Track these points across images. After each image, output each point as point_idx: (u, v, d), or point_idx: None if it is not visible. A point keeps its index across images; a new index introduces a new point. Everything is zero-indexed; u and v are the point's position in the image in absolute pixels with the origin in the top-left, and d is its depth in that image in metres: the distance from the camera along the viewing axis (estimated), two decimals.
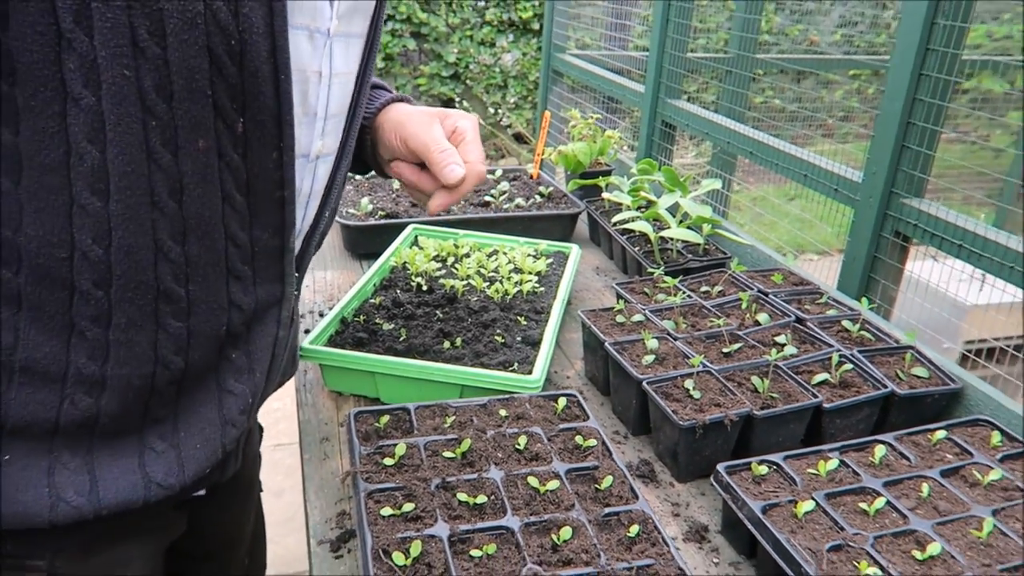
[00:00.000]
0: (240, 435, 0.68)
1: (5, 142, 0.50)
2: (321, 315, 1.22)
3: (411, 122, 0.84)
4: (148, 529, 0.70)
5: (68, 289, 0.54)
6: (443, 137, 0.82)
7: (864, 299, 1.10)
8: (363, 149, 0.90)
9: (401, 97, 0.90)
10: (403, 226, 1.42)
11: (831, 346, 1.00)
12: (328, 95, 0.68)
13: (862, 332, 1.05)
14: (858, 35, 6.15)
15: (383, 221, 1.45)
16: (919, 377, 0.95)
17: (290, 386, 1.01)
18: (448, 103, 5.78)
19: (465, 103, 5.76)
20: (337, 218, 1.42)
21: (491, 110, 5.90)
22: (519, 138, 6.04)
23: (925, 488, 0.76)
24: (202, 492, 0.72)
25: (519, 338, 1.07)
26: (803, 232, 2.80)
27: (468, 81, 5.74)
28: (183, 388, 0.63)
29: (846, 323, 1.06)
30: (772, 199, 4.11)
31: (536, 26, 5.62)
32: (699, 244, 1.36)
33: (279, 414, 2.63)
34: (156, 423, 0.62)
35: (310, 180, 0.71)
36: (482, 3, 5.56)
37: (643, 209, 1.43)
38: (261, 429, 1.00)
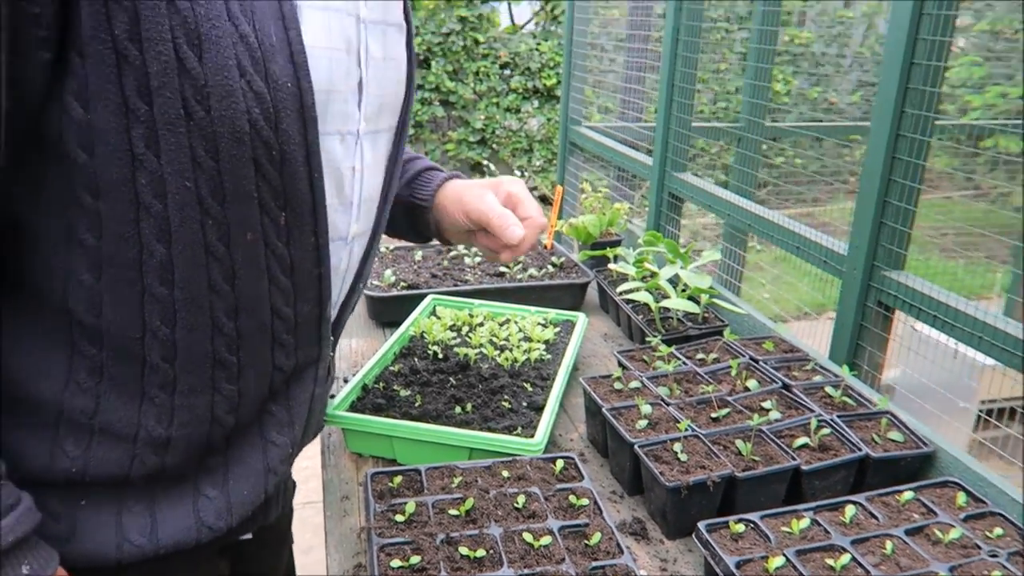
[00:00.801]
0: (280, 482, 0.79)
1: (90, 245, 0.61)
2: (345, 381, 1.33)
3: (468, 196, 0.97)
4: (195, 572, 0.79)
5: (140, 363, 0.66)
6: (498, 203, 0.95)
7: (846, 366, 1.18)
8: (426, 225, 1.03)
9: (453, 175, 1.03)
10: (423, 296, 1.54)
11: (813, 411, 1.08)
12: (361, 185, 0.78)
13: (844, 398, 1.12)
14: (876, 95, 6.28)
15: (404, 292, 1.57)
16: (894, 441, 1.02)
17: (318, 445, 1.11)
18: (476, 167, 5.98)
19: (492, 167, 5.95)
20: None
21: (517, 173, 6.08)
22: (544, 200, 6.21)
23: (889, 545, 0.83)
24: (248, 536, 0.81)
25: (525, 403, 1.16)
26: (823, 291, 2.87)
27: (495, 146, 5.94)
28: (232, 441, 0.74)
29: (829, 389, 1.14)
30: (794, 258, 4.19)
31: (559, 93, 5.83)
32: (698, 313, 1.45)
33: (308, 472, 2.72)
34: (209, 472, 0.73)
35: (346, 258, 0.80)
36: (507, 71, 5.79)
37: (647, 279, 1.53)
38: (294, 484, 1.10)
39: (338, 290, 0.81)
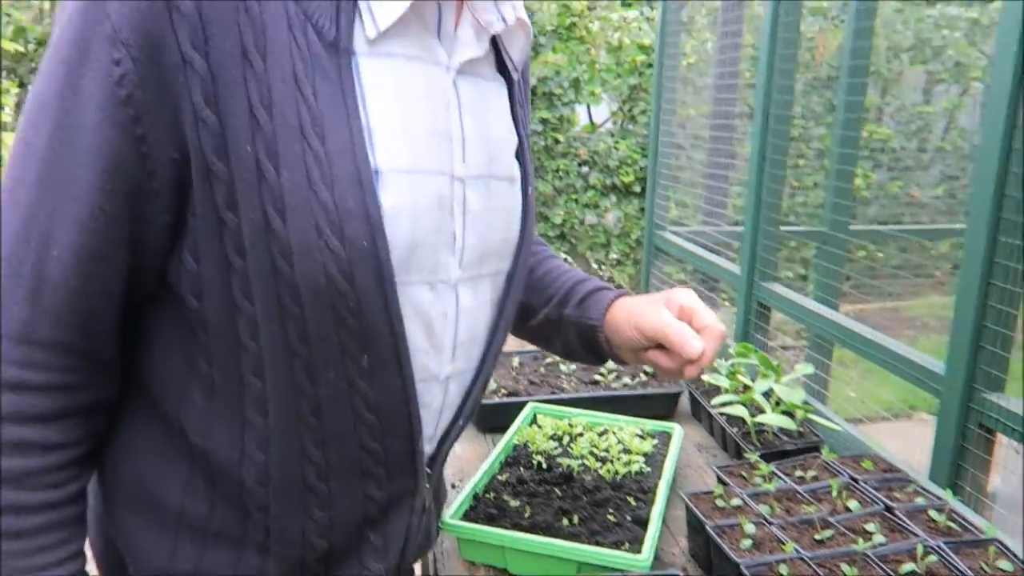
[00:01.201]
0: None
1: (204, 372, 0.73)
2: (453, 487, 1.40)
3: (640, 312, 0.94)
4: None
5: (239, 484, 0.75)
6: (673, 317, 0.91)
7: (949, 490, 1.19)
8: (599, 346, 1.01)
9: (622, 292, 1.02)
10: (523, 404, 1.62)
11: (918, 536, 1.10)
12: (456, 328, 0.80)
13: (948, 522, 1.13)
14: (962, 189, 6.21)
15: (506, 399, 1.65)
16: (1003, 570, 1.03)
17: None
18: None
19: (570, 260, 6.09)
20: None
21: (594, 266, 6.20)
22: None
23: None
24: None
25: (629, 517, 1.21)
26: (914, 390, 2.82)
27: (573, 240, 6.10)
28: (329, 564, 0.80)
29: (933, 513, 1.15)
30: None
31: (637, 189, 5.98)
32: (793, 429, 1.49)
33: None
34: None
35: (441, 396, 0.81)
36: (586, 169, 5.99)
37: (740, 392, 1.57)
38: None
39: (433, 426, 0.83)
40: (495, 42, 0.82)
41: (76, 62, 0.63)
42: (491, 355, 0.87)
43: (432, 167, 0.73)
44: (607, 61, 5.55)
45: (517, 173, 0.86)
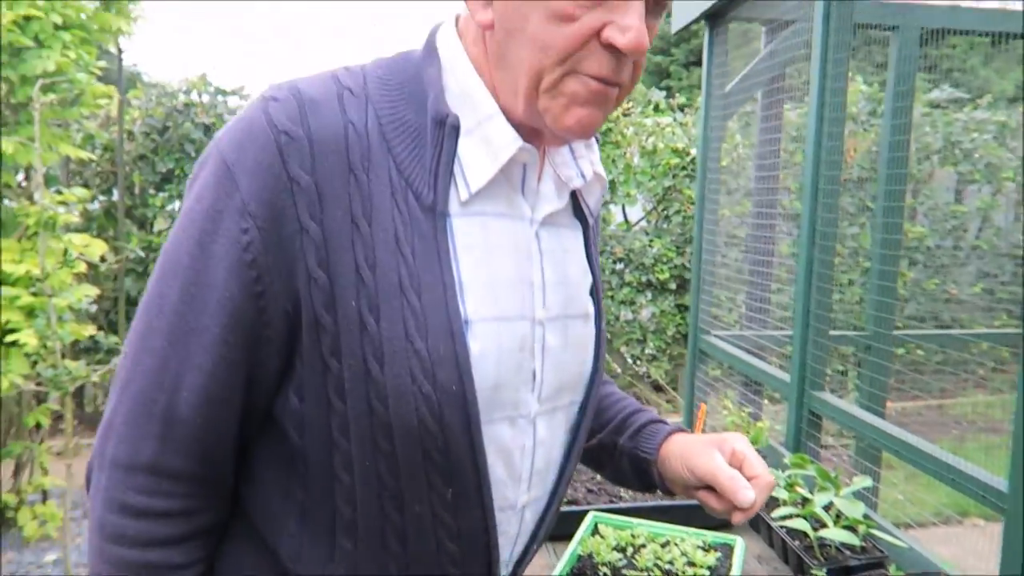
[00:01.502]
0: None
1: (299, 499, 0.78)
2: None
3: (693, 453, 0.94)
4: None
5: None
6: (725, 463, 0.91)
7: None
8: (651, 476, 1.03)
9: (677, 428, 1.04)
10: (583, 512, 1.64)
11: None
12: (532, 459, 0.84)
13: None
14: (1000, 287, 6.19)
15: (566, 508, 1.68)
16: None
17: None
18: None
19: (607, 356, 6.12)
20: None
21: (630, 361, 6.22)
22: (657, 387, 6.28)
23: None
24: None
25: None
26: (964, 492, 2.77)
27: (610, 336, 6.15)
28: None
29: None
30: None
31: (672, 286, 6.05)
32: (856, 544, 1.50)
33: None
34: None
35: (517, 524, 0.85)
36: (621, 266, 6.10)
37: (799, 504, 1.59)
38: None
39: (508, 552, 0.87)
40: (575, 193, 0.89)
41: (209, 229, 0.72)
42: (564, 482, 0.91)
43: (515, 313, 0.79)
44: (642, 164, 5.73)
45: (591, 310, 0.91)
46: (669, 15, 3.04)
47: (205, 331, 0.73)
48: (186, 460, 0.74)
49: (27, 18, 3.31)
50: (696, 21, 2.71)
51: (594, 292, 0.92)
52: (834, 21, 1.94)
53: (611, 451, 1.07)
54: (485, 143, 0.77)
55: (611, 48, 0.72)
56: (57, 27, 3.41)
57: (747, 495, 0.87)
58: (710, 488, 0.93)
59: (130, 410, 0.74)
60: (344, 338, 0.72)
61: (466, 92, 0.78)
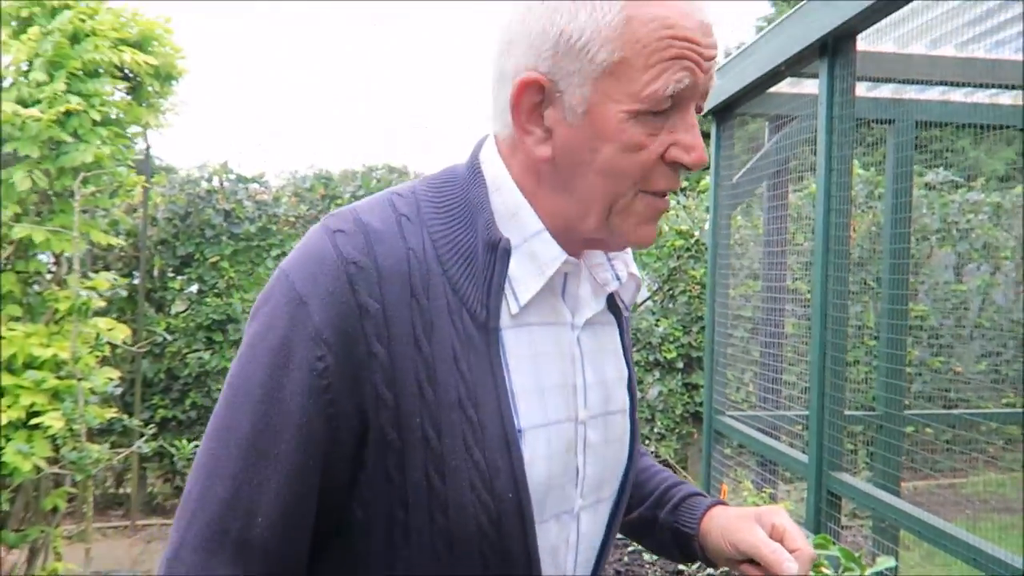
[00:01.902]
0: None
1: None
2: None
3: (735, 526, 0.95)
4: None
5: None
6: (767, 537, 0.91)
7: None
8: (692, 549, 1.04)
9: (717, 501, 1.06)
10: None
11: None
12: (576, 553, 0.87)
13: None
14: (1004, 364, 6.25)
15: None
16: None
17: None
18: None
19: None
20: None
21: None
22: (666, 466, 6.27)
23: None
24: None
25: None
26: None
27: None
28: None
29: None
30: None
31: (680, 365, 6.12)
32: None
33: None
34: None
35: None
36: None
37: None
38: None
39: None
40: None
41: (282, 358, 0.76)
42: (601, 566, 0.94)
43: (562, 417, 0.84)
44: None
45: (627, 404, 0.95)
46: None
47: (283, 457, 0.75)
48: None
49: (67, 113, 3.50)
50: (704, 115, 2.87)
51: (629, 386, 0.96)
52: (837, 117, 2.08)
53: (652, 525, 1.10)
54: (532, 259, 0.82)
55: (675, 163, 0.79)
56: (95, 123, 3.60)
57: (791, 567, 0.88)
58: (752, 561, 0.94)
59: (201, 540, 0.76)
60: (408, 454, 0.76)
61: (512, 212, 0.83)
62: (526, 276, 0.82)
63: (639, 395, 6.21)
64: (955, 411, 3.84)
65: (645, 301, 6.41)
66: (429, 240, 0.80)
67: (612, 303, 0.94)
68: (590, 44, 0.76)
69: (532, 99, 0.79)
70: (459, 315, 0.79)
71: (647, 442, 6.33)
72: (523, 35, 0.79)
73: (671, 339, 6.08)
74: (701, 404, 5.43)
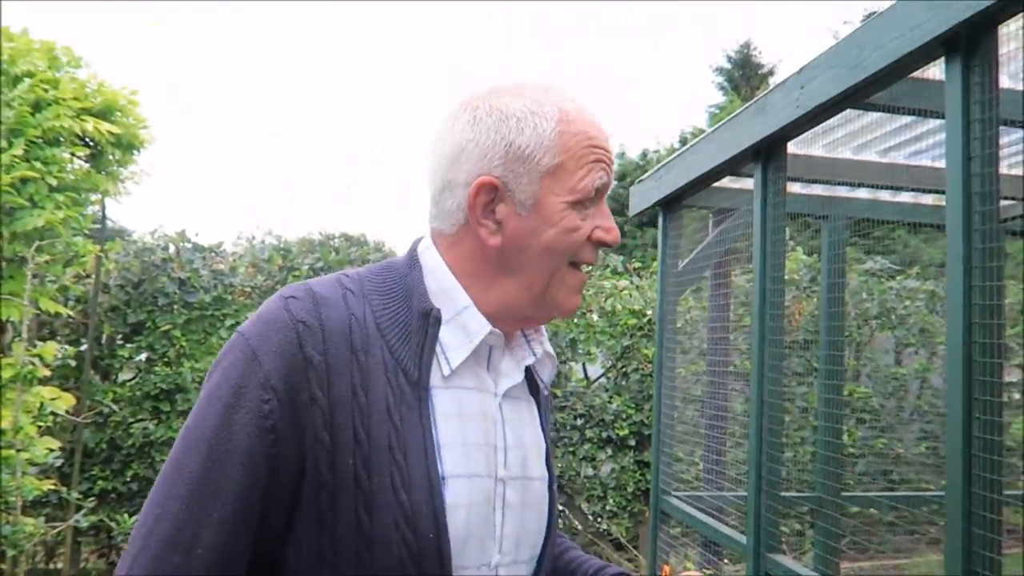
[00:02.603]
0: None
1: None
2: None
3: None
4: None
5: None
6: None
7: None
8: None
9: (622, 572, 1.12)
10: None
11: None
12: None
13: None
14: (943, 445, 6.42)
15: None
16: None
17: None
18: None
19: (568, 513, 6.10)
20: None
21: (591, 518, 6.20)
22: (618, 546, 6.23)
23: None
24: None
25: None
26: None
27: (570, 492, 6.16)
28: None
29: None
30: None
31: (632, 442, 6.17)
32: None
33: None
34: None
35: None
36: (581, 422, 6.22)
37: None
38: None
39: None
40: (528, 369, 1.05)
41: (234, 403, 0.86)
42: None
43: (482, 471, 0.94)
44: (601, 323, 6.00)
45: (545, 473, 1.04)
46: (626, 204, 3.37)
47: (227, 491, 0.84)
48: None
49: (24, 180, 3.51)
50: (651, 207, 3.02)
51: (547, 459, 1.06)
52: (770, 216, 2.22)
53: None
54: (462, 329, 0.96)
55: (599, 242, 0.98)
56: (52, 188, 3.61)
57: None
58: None
59: (145, 573, 0.83)
60: (340, 493, 0.85)
61: (445, 291, 0.97)
62: (457, 344, 0.95)
63: (591, 472, 6.22)
64: (890, 492, 3.94)
65: (599, 378, 6.49)
66: (370, 312, 0.93)
67: (532, 382, 1.06)
68: (535, 152, 0.94)
69: (486, 198, 0.95)
70: (394, 374, 0.90)
71: (599, 521, 6.31)
72: (474, 147, 0.96)
73: (624, 416, 6.15)
74: None
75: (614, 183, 1.01)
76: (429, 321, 0.94)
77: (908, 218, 2.87)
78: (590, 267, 1.01)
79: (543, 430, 1.07)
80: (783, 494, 2.37)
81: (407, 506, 0.86)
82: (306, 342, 0.88)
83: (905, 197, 2.90)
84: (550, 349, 1.05)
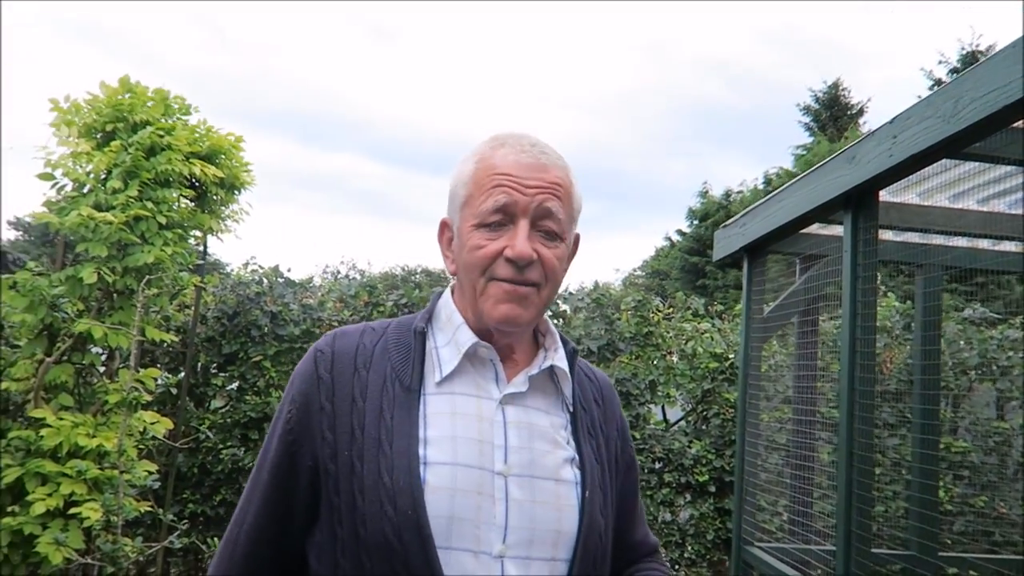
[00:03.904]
0: None
1: None
2: None
3: None
4: None
5: None
6: None
7: None
8: None
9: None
10: None
11: None
12: None
13: None
14: None
15: None
16: None
17: None
18: None
19: None
20: None
21: (668, 566, 6.05)
22: None
23: None
24: None
25: None
26: None
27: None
28: None
29: None
30: None
31: (712, 488, 6.02)
32: None
33: None
34: None
35: None
36: (659, 465, 6.12)
37: None
38: None
39: None
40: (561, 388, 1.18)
41: (277, 417, 1.13)
42: None
43: (472, 463, 1.05)
44: (681, 366, 5.91)
45: (569, 476, 1.11)
46: (710, 247, 3.34)
47: (262, 482, 1.11)
48: (239, 571, 1.10)
49: (137, 218, 3.76)
50: (736, 253, 3.00)
51: (582, 466, 1.13)
52: (860, 265, 2.18)
53: None
54: (455, 343, 1.13)
55: (509, 260, 1.08)
56: (161, 226, 3.86)
57: None
58: None
59: (224, 543, 1.13)
60: (341, 480, 1.04)
61: (448, 316, 1.17)
62: (450, 355, 1.13)
63: (669, 517, 6.09)
64: (992, 554, 3.72)
65: (678, 422, 6.38)
66: (383, 342, 1.14)
67: (565, 403, 1.18)
68: (458, 188, 1.15)
69: (446, 234, 1.19)
70: (392, 382, 1.10)
71: (678, 569, 6.14)
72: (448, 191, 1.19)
73: (703, 461, 6.01)
74: (732, 531, 5.32)
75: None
76: (415, 337, 1.14)
77: (1011, 267, 2.75)
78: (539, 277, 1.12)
79: (577, 441, 1.15)
80: (874, 551, 2.28)
81: (389, 486, 1.01)
82: (320, 365, 1.11)
83: (1008, 246, 2.78)
84: (561, 364, 1.16)
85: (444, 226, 1.19)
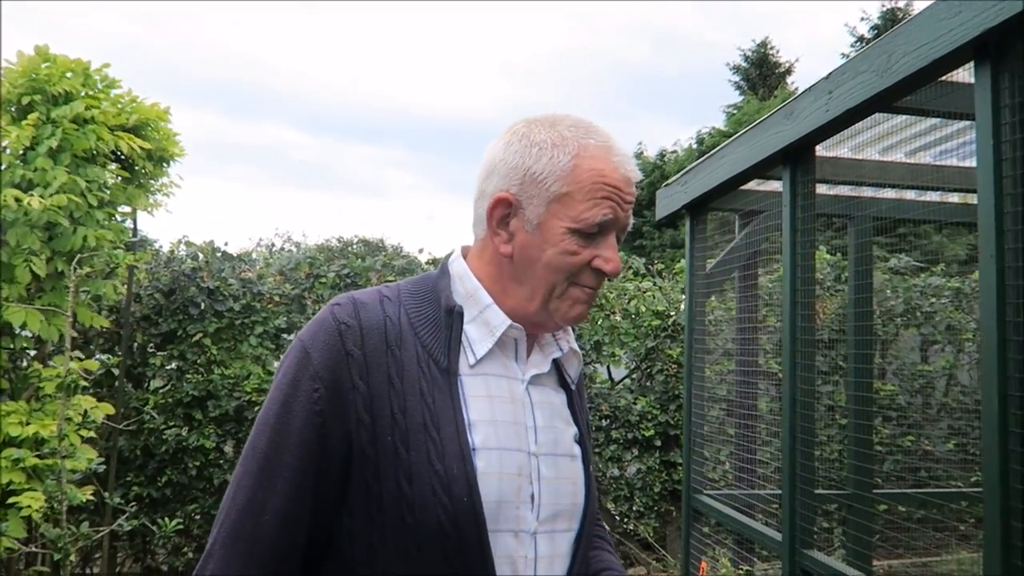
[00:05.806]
0: None
1: None
2: None
3: None
4: None
5: None
6: None
7: None
8: None
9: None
10: None
11: None
12: (535, 570, 1.04)
13: None
14: (972, 442, 6.39)
15: None
16: None
17: None
18: None
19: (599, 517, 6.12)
20: None
21: (618, 518, 6.22)
22: (646, 545, 6.25)
23: None
24: None
25: None
26: None
27: (599, 495, 6.19)
28: None
29: None
30: None
31: (658, 443, 6.19)
32: None
33: None
34: None
35: None
36: (606, 423, 6.25)
37: None
38: None
39: None
40: (558, 365, 1.17)
41: (291, 393, 1.01)
42: None
43: (512, 446, 1.05)
44: (625, 325, 6.02)
45: (578, 452, 1.15)
46: (653, 204, 3.40)
47: (286, 466, 1.00)
48: (263, 570, 0.98)
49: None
50: (678, 212, 3.06)
51: (582, 442, 1.17)
52: (799, 217, 2.25)
53: None
54: (485, 324, 1.09)
55: (598, 270, 1.07)
56: (91, 206, 3.70)
57: None
58: None
59: (226, 536, 0.99)
60: (382, 465, 0.99)
61: (471, 293, 1.11)
62: (481, 337, 1.09)
63: (618, 473, 6.25)
64: (921, 489, 3.94)
65: (623, 379, 6.52)
66: (404, 314, 1.07)
67: (562, 379, 1.18)
68: (547, 179, 1.06)
69: (502, 211, 1.09)
70: (426, 363, 1.04)
71: (626, 521, 6.32)
72: (502, 165, 1.10)
73: (649, 417, 6.16)
74: (679, 482, 5.50)
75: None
76: (454, 317, 1.08)
77: (935, 217, 2.88)
78: (604, 282, 1.11)
79: (576, 419, 1.17)
80: (816, 491, 2.39)
81: (442, 474, 0.98)
82: (347, 339, 1.03)
83: (932, 196, 2.91)
84: (575, 347, 1.17)
85: (504, 203, 1.08)
